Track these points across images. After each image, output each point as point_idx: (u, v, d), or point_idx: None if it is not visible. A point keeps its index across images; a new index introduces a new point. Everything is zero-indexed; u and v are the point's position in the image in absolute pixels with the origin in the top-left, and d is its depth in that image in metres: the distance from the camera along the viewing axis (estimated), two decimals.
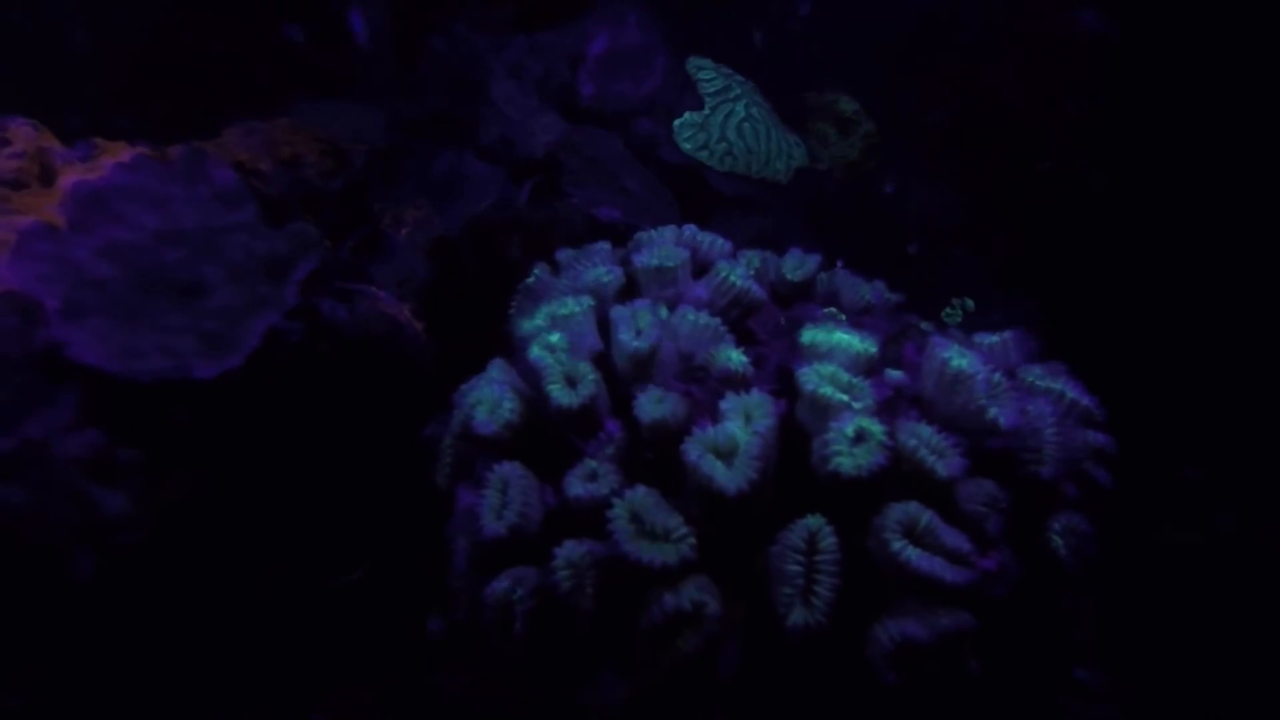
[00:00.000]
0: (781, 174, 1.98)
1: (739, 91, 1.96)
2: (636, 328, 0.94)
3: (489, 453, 0.95)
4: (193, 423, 1.16)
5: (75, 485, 1.12)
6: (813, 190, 2.16)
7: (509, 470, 0.89)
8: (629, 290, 1.10)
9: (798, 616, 0.76)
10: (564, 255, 1.26)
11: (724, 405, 0.83)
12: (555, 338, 0.94)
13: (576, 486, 0.86)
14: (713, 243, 1.15)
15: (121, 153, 1.34)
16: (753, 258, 1.28)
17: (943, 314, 2.16)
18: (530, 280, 1.29)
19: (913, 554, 0.75)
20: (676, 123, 1.89)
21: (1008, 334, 1.08)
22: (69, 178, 1.24)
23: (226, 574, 1.20)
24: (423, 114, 1.72)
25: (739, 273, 1.07)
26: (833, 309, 1.22)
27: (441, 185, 1.66)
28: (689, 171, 1.84)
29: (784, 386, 0.96)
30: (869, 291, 1.29)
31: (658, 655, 0.77)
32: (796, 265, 1.27)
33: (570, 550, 0.83)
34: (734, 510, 0.78)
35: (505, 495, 0.88)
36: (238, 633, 1.17)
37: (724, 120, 1.91)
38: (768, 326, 1.07)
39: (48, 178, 1.23)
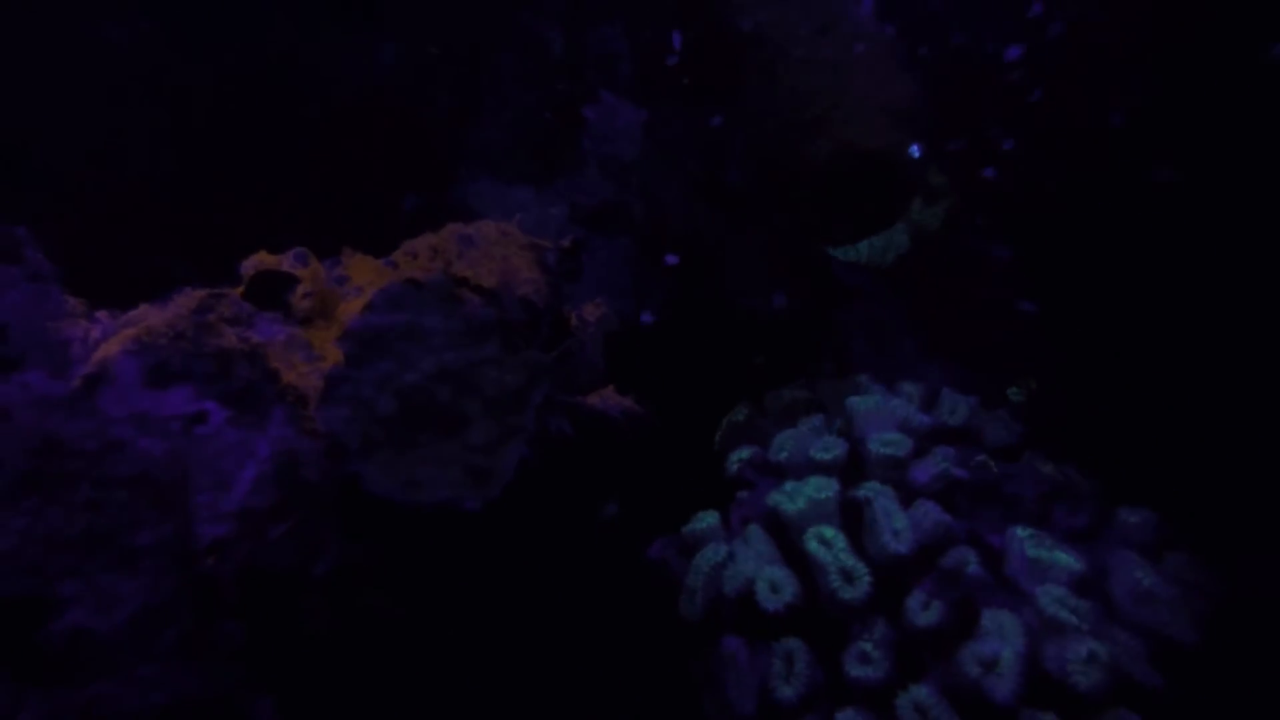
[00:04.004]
0: (890, 261, 2.17)
1: None
2: (894, 528, 1.15)
3: (760, 619, 1.17)
4: (458, 544, 1.34)
5: (367, 600, 1.30)
6: (902, 266, 2.35)
7: (795, 646, 1.11)
8: (852, 461, 1.32)
9: None
10: (771, 399, 1.46)
11: (985, 623, 1.07)
12: (830, 533, 1.16)
13: (855, 668, 1.09)
14: (920, 420, 1.35)
15: (369, 271, 1.45)
16: (912, 393, 1.52)
17: (1008, 392, 2.42)
18: (739, 418, 1.48)
19: None
20: None
21: (1149, 517, 1.33)
22: (344, 310, 1.35)
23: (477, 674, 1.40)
24: (593, 201, 1.83)
25: (952, 458, 1.29)
26: (984, 457, 1.46)
27: (610, 278, 1.79)
28: (820, 261, 2.01)
29: (994, 572, 1.21)
30: (1005, 431, 1.53)
31: None
32: (952, 409, 1.50)
33: (850, 718, 1.07)
34: (996, 711, 1.03)
35: (792, 666, 1.11)
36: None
37: None
38: (969, 502, 1.30)
39: (326, 310, 1.34)
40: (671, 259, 1.61)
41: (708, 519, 1.35)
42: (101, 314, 1.20)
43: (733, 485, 1.45)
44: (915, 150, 1.49)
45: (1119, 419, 1.98)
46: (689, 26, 1.98)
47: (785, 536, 1.23)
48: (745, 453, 1.41)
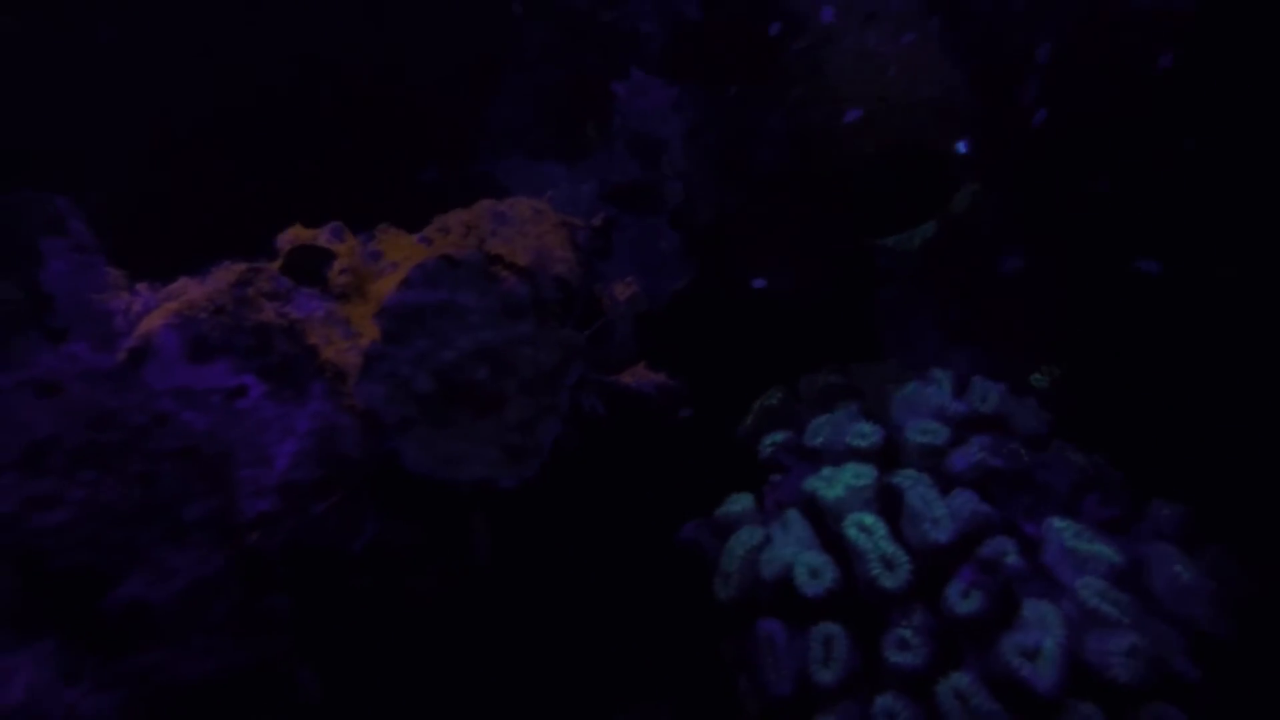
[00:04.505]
0: (915, 247, 2.16)
1: None
2: (933, 516, 1.16)
3: (798, 603, 1.17)
4: (494, 522, 1.34)
5: (399, 575, 1.30)
6: (927, 249, 2.33)
7: (834, 630, 1.12)
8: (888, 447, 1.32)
9: None
10: (806, 384, 1.46)
11: (1026, 613, 1.07)
12: (869, 520, 1.16)
13: (895, 654, 1.10)
14: (956, 408, 1.35)
15: (403, 246, 1.44)
16: (944, 380, 1.51)
17: (1031, 379, 2.42)
18: (772, 401, 1.48)
19: None
20: None
21: (1183, 509, 1.34)
22: (380, 286, 1.34)
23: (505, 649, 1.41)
24: (624, 179, 1.82)
25: (990, 448, 1.28)
26: (1016, 445, 1.46)
27: (641, 257, 1.78)
28: (853, 246, 2.00)
29: (1032, 561, 1.21)
30: (1035, 419, 1.53)
31: None
32: (983, 396, 1.50)
33: (889, 703, 1.08)
34: (1037, 701, 1.04)
35: (831, 650, 1.12)
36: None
37: None
38: (1003, 490, 1.31)
39: (361, 285, 1.33)
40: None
41: (742, 501, 1.36)
42: (141, 286, 1.19)
43: (764, 469, 1.45)
44: (962, 146, 1.47)
45: (1147, 407, 1.97)
46: (724, 6, 1.95)
47: (822, 522, 1.23)
48: (779, 436, 1.41)
